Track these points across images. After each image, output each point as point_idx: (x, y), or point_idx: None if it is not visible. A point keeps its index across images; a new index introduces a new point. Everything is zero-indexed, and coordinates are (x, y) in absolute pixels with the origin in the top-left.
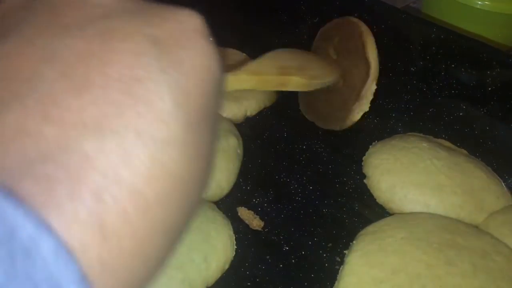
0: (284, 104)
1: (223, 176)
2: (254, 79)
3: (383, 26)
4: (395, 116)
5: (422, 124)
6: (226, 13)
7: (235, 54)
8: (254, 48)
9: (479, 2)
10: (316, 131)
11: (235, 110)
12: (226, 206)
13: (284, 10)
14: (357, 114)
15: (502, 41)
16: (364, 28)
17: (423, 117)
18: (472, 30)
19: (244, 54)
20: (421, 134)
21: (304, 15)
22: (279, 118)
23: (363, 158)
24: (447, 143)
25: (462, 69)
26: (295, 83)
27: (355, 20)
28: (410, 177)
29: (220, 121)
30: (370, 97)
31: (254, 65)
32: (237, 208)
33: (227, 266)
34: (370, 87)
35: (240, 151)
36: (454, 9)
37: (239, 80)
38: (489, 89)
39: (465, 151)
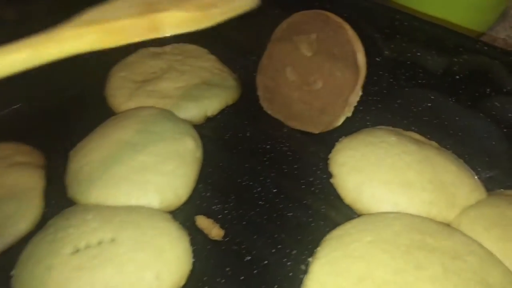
0: (247, 101)
1: (180, 183)
2: (95, 30)
3: (345, 15)
4: (363, 109)
5: (391, 117)
6: None
7: (197, 49)
8: (216, 42)
9: None
10: (280, 129)
11: (194, 111)
12: (184, 215)
13: None
14: (341, 119)
15: (472, 26)
16: (351, 33)
17: (392, 109)
18: (441, 15)
19: (206, 50)
20: (390, 127)
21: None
22: (242, 117)
23: (329, 156)
24: (417, 136)
25: (429, 58)
26: (171, 21)
27: (339, 20)
28: (377, 174)
29: (177, 123)
30: (356, 102)
31: (96, 11)
32: (196, 217)
33: (183, 283)
34: (358, 93)
35: (198, 154)
36: None
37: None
38: (457, 77)
39: (435, 144)
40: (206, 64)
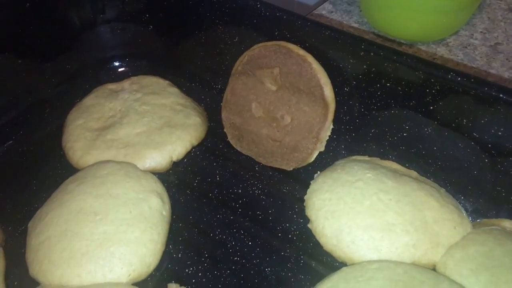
0: (215, 138)
1: (148, 250)
2: None
3: (307, 44)
4: (336, 138)
5: (366, 146)
6: (142, 39)
7: (157, 82)
8: (176, 73)
9: None
10: (252, 168)
11: (158, 159)
12: (154, 284)
13: (200, 30)
14: (314, 155)
15: (444, 28)
16: (316, 65)
17: (366, 138)
18: (411, 20)
19: (168, 82)
20: (366, 157)
21: (223, 34)
22: (210, 158)
23: (305, 198)
24: (396, 165)
25: (399, 88)
26: None
27: (302, 53)
28: (356, 219)
29: (139, 179)
30: (327, 137)
31: None
32: (168, 285)
33: None
34: (329, 127)
35: (166, 212)
36: (393, 1)
37: None
38: (431, 108)
39: (415, 173)
40: (168, 100)
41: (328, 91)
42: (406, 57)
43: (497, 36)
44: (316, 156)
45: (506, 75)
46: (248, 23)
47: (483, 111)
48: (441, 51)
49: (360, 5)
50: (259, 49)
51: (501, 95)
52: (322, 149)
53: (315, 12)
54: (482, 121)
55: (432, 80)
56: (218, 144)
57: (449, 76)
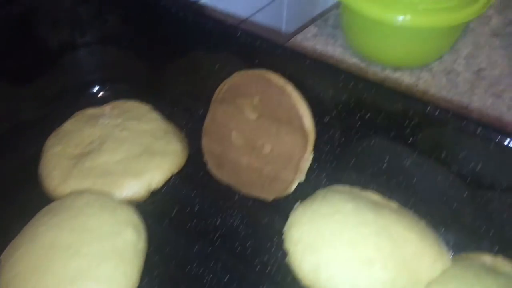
0: (195, 166)
1: (121, 286)
2: None
3: (287, 73)
4: (318, 167)
5: (346, 175)
6: (123, 63)
7: (139, 107)
8: (158, 98)
9: (400, 18)
10: (231, 197)
11: (135, 188)
12: None
13: (181, 55)
14: (294, 186)
15: (427, 55)
16: (295, 95)
17: (347, 167)
18: (394, 47)
19: (149, 106)
20: (347, 186)
21: (204, 60)
22: (189, 187)
23: (283, 230)
24: (376, 196)
25: (378, 119)
26: None
27: (282, 82)
28: (334, 253)
29: (115, 211)
30: (307, 167)
31: None
32: None
33: None
34: (309, 158)
35: (141, 245)
36: (375, 27)
37: None
38: (410, 140)
39: (395, 205)
40: (149, 126)
41: (308, 122)
42: (385, 90)
43: (481, 61)
44: (297, 186)
45: (488, 102)
46: (228, 50)
47: (462, 145)
48: (425, 76)
49: (343, 31)
50: (238, 78)
51: (479, 131)
52: (303, 179)
53: (299, 36)
54: (461, 155)
55: (411, 113)
56: (198, 172)
57: (428, 110)
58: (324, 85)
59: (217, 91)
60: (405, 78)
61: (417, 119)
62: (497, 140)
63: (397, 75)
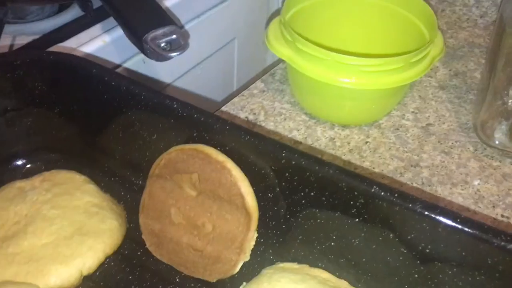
0: (131, 246)
1: None
2: None
3: (227, 148)
4: (264, 243)
5: (294, 252)
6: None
7: (72, 179)
8: (94, 167)
9: (345, 80)
10: (173, 280)
11: (65, 275)
12: None
13: (117, 124)
14: (238, 267)
15: (375, 112)
16: (236, 173)
17: (294, 245)
18: (342, 106)
19: (84, 177)
20: (295, 264)
21: (141, 130)
22: (125, 269)
23: None
24: (325, 274)
25: (323, 197)
26: None
27: (221, 159)
28: None
29: None
30: (251, 247)
31: None
32: None
33: None
34: (253, 237)
35: None
36: (320, 87)
37: None
38: (357, 219)
39: (345, 283)
40: (82, 201)
41: (250, 201)
42: (328, 168)
43: (429, 116)
44: (244, 264)
45: (437, 160)
46: (166, 122)
47: (410, 227)
48: (374, 133)
49: (290, 88)
50: (176, 153)
51: (426, 212)
52: (247, 259)
53: (246, 92)
54: (410, 233)
55: (356, 193)
56: (136, 251)
57: (372, 190)
58: (266, 161)
59: (153, 166)
60: (354, 136)
61: (362, 199)
62: (445, 223)
63: (346, 132)
